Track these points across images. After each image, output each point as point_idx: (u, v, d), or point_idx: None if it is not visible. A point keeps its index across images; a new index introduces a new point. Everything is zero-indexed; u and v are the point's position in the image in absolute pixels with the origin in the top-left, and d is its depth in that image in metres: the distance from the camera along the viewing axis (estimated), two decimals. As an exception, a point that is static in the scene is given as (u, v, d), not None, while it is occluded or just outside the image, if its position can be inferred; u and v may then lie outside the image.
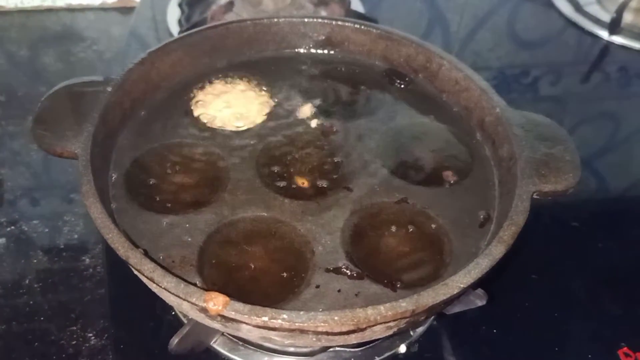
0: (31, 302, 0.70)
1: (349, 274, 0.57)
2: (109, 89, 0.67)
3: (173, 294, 0.49)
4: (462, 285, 0.50)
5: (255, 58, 0.83)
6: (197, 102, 0.75)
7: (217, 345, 0.65)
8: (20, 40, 1.14)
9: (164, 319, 0.68)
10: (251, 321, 0.47)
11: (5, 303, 0.70)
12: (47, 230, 0.79)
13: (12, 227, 0.79)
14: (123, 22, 1.18)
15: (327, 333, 0.49)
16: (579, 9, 1.28)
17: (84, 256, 0.76)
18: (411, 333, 0.67)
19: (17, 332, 0.67)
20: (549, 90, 1.12)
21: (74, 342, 0.66)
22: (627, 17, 1.21)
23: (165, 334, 0.64)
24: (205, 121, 0.73)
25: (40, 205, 0.83)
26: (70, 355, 0.65)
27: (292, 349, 0.64)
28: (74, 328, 0.68)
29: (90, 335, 0.67)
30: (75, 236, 0.78)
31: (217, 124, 0.73)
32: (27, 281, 0.73)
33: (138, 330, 0.68)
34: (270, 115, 0.75)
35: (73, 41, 1.13)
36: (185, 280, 0.50)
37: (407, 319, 0.50)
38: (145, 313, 0.69)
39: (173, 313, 0.68)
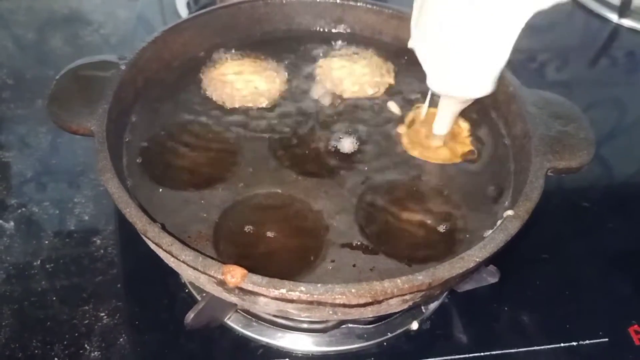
0: (43, 283, 0.70)
1: (363, 249, 0.57)
2: (123, 67, 0.67)
3: (191, 266, 0.49)
4: (477, 259, 0.51)
5: (266, 37, 0.83)
6: (208, 81, 0.75)
7: (231, 321, 0.65)
8: (27, 24, 1.13)
9: (177, 296, 0.68)
10: (269, 293, 0.48)
11: (17, 283, 0.70)
12: (57, 212, 0.79)
13: (23, 209, 0.79)
14: (130, 5, 1.17)
15: (344, 305, 0.49)
16: (588, -10, 1.26)
17: (95, 237, 0.76)
18: (423, 310, 0.68)
19: (29, 313, 0.68)
20: (556, 75, 1.11)
21: (86, 322, 0.67)
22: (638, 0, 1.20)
23: (178, 311, 0.65)
24: (217, 100, 0.73)
25: (49, 187, 0.83)
26: (83, 334, 0.65)
27: (305, 326, 0.64)
28: (86, 307, 0.68)
29: (103, 314, 0.67)
30: (86, 217, 0.78)
31: (229, 102, 0.73)
32: (38, 262, 0.73)
33: (151, 307, 0.68)
34: (283, 94, 0.75)
35: (80, 24, 1.12)
36: (203, 254, 0.50)
37: (423, 292, 0.51)
38: (158, 291, 0.69)
39: (187, 290, 0.69)
